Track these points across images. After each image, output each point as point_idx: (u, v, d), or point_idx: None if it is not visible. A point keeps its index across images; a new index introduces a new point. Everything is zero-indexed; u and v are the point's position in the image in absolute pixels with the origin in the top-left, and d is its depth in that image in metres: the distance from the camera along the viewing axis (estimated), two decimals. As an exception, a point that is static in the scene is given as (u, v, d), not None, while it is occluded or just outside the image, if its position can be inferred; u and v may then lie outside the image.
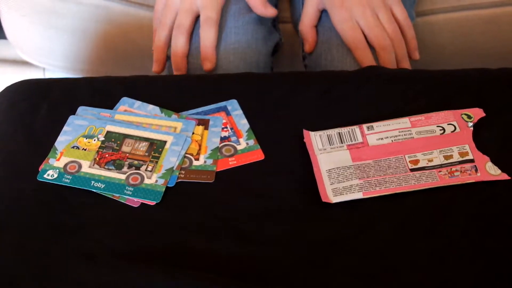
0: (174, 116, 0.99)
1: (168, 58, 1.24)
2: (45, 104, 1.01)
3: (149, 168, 0.93)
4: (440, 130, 0.95)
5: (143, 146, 0.95)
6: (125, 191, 0.90)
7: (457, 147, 0.94)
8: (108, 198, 0.90)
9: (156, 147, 0.95)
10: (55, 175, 0.92)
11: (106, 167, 0.93)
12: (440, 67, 1.11)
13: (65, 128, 0.97)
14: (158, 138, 0.96)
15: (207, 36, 1.16)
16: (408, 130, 0.96)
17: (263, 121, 0.99)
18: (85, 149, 0.95)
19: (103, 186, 0.91)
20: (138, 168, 0.93)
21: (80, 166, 0.93)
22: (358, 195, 0.89)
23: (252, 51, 1.20)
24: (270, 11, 1.20)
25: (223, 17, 1.18)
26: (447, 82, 1.04)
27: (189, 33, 1.18)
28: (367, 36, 1.15)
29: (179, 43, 1.17)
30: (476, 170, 0.91)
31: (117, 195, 0.90)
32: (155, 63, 1.20)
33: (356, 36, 1.15)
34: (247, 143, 0.96)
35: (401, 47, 1.17)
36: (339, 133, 0.96)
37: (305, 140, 0.96)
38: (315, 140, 0.95)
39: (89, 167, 0.93)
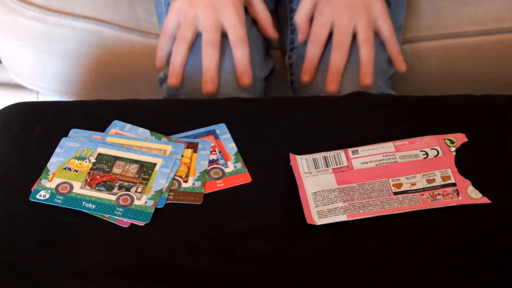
0: (164, 139, 1.01)
1: (165, 79, 1.25)
2: (38, 126, 1.03)
3: (139, 189, 0.94)
4: (424, 154, 0.97)
5: (133, 168, 0.97)
6: (115, 211, 0.92)
7: (439, 171, 0.95)
8: (98, 218, 0.92)
9: (146, 169, 0.97)
10: (47, 196, 0.93)
11: (97, 188, 0.95)
12: (427, 93, 1.13)
13: (57, 150, 0.99)
14: (148, 160, 0.98)
15: (242, 54, 1.17)
16: (392, 155, 0.97)
17: (250, 145, 1.01)
18: (77, 171, 0.97)
19: (93, 206, 0.92)
20: (128, 189, 0.95)
21: (71, 187, 0.95)
22: (343, 218, 0.91)
23: None
24: (275, 35, 1.26)
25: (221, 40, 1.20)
26: (431, 108, 1.05)
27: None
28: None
29: (214, 58, 1.17)
30: (458, 194, 0.93)
31: (108, 215, 0.92)
32: (171, 77, 1.19)
33: (318, 32, 1.19)
34: (235, 166, 0.98)
35: (367, 55, 1.18)
36: (324, 157, 0.98)
37: (291, 163, 0.97)
38: (301, 163, 0.97)
39: (81, 188, 0.94)
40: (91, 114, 1.05)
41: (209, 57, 1.16)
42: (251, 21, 1.25)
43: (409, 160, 0.97)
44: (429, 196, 0.92)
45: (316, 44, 1.20)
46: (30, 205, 0.93)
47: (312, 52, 1.21)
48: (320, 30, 1.20)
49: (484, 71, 1.41)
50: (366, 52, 1.18)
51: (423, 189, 0.93)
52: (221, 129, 1.02)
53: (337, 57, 1.17)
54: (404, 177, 0.95)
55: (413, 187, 0.94)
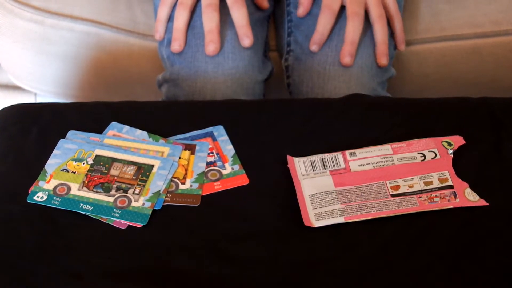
0: (161, 141, 1.01)
1: (164, 81, 1.26)
2: (36, 128, 1.03)
3: (137, 191, 0.95)
4: (421, 157, 0.98)
5: (131, 170, 0.97)
6: (112, 213, 0.92)
7: (437, 174, 0.95)
8: (96, 219, 0.92)
9: (143, 171, 0.97)
10: (45, 197, 0.93)
11: (94, 190, 0.95)
12: (424, 95, 1.13)
13: (55, 151, 0.99)
14: (145, 162, 0.98)
15: (240, 16, 1.19)
16: (390, 157, 0.98)
17: (248, 147, 1.01)
18: (74, 172, 0.97)
19: (91, 208, 0.92)
20: (125, 191, 0.95)
21: (69, 188, 0.95)
22: (340, 220, 0.91)
23: (249, 77, 1.22)
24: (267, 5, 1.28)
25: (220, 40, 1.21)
26: (428, 110, 1.06)
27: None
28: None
29: (215, 20, 1.19)
30: (455, 196, 0.93)
31: (105, 217, 0.92)
32: (175, 42, 1.21)
33: (330, 3, 1.20)
34: (232, 168, 0.98)
35: (382, 33, 1.21)
36: (322, 159, 0.98)
37: (289, 165, 0.98)
38: (299, 165, 0.97)
39: (78, 189, 0.94)
40: (88, 115, 1.05)
41: (209, 20, 1.18)
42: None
43: (406, 162, 0.97)
44: (427, 199, 0.93)
45: (329, 14, 1.21)
46: (27, 206, 0.93)
47: (324, 22, 1.21)
48: (332, 1, 1.20)
49: (481, 74, 1.41)
50: (380, 29, 1.21)
51: (421, 192, 0.93)
52: (219, 131, 1.03)
53: (352, 28, 1.19)
54: (401, 179, 0.95)
55: (411, 189, 0.94)
